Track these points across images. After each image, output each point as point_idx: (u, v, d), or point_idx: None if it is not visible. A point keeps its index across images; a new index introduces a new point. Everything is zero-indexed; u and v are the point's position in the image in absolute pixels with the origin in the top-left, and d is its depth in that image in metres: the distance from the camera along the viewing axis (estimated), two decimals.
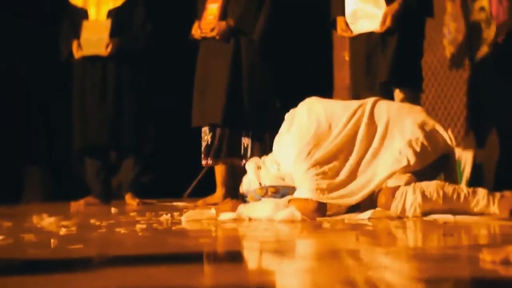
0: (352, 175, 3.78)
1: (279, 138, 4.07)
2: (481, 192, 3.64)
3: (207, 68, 5.47)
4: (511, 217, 3.46)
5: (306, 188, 3.71)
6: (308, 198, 3.68)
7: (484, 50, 5.29)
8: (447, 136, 3.88)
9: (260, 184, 3.95)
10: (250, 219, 3.73)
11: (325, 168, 3.77)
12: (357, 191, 3.74)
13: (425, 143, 3.80)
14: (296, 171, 3.82)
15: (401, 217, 3.62)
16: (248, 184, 4.00)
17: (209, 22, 5.45)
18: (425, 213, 3.62)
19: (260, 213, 3.71)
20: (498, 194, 3.63)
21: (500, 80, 5.26)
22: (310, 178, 3.72)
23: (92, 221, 3.83)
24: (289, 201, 3.72)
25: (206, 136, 5.47)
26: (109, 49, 5.95)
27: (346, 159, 3.83)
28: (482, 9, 5.33)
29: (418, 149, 3.78)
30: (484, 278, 1.89)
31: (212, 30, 5.41)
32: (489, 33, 5.28)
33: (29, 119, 7.52)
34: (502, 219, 3.43)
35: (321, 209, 3.69)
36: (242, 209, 3.81)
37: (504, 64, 5.23)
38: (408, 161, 3.75)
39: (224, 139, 5.45)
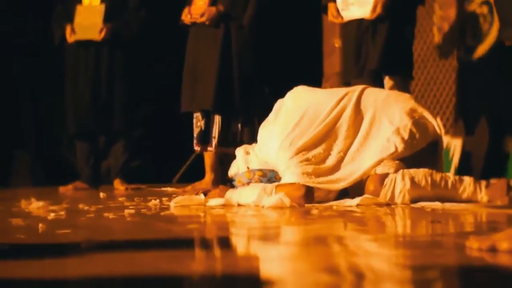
0: (339, 163, 3.78)
1: (264, 128, 4.05)
2: (467, 179, 3.68)
3: (196, 53, 5.45)
4: None
5: (292, 173, 3.71)
6: (295, 183, 3.68)
7: (484, 48, 5.26)
8: (436, 123, 3.88)
9: (248, 168, 3.96)
10: (238, 205, 3.73)
11: (309, 155, 3.77)
12: (344, 178, 3.74)
13: (414, 130, 3.81)
14: (279, 161, 3.82)
15: (389, 204, 3.63)
16: (236, 168, 4.02)
17: (199, 7, 5.42)
18: (413, 200, 3.64)
19: (248, 199, 3.71)
20: (483, 182, 3.65)
21: (490, 67, 5.26)
22: (294, 164, 3.72)
23: (80, 206, 3.82)
24: (277, 187, 3.72)
25: (199, 122, 5.46)
26: (102, 34, 5.93)
27: (331, 147, 3.83)
28: (485, 3, 5.29)
29: (406, 136, 3.78)
30: (471, 265, 1.89)
31: (202, 15, 5.38)
32: (489, 30, 5.25)
33: (18, 104, 7.49)
34: (493, 206, 3.45)
35: (309, 194, 3.69)
36: (230, 194, 3.81)
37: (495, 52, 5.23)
38: (396, 148, 3.75)
39: (215, 125, 5.43)
